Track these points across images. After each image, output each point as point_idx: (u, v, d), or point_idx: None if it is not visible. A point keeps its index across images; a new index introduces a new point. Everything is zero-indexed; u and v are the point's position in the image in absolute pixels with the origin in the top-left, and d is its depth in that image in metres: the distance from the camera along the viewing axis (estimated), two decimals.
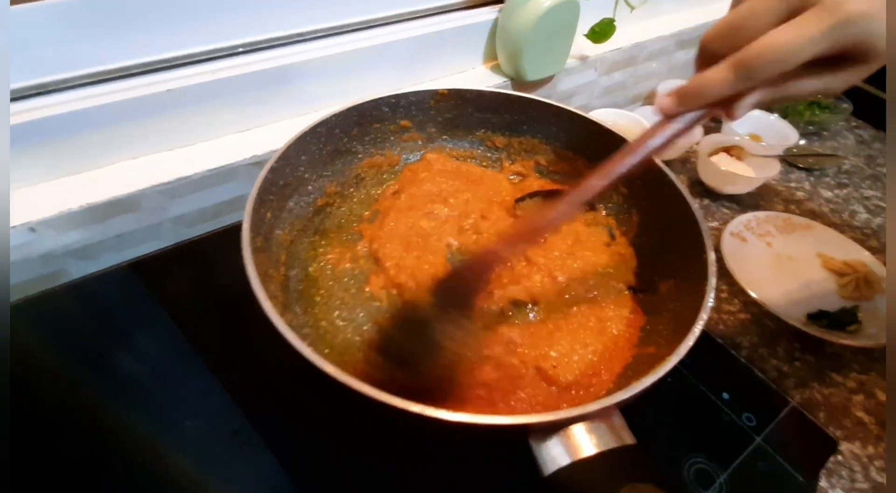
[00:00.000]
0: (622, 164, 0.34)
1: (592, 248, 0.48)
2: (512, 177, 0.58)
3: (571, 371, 0.37)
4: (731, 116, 0.31)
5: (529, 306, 0.44)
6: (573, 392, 0.36)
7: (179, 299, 0.49)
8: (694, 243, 0.36)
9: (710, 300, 0.31)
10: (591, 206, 0.54)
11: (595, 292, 0.44)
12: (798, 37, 0.26)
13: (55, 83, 0.47)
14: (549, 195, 0.55)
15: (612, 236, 0.52)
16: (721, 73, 0.28)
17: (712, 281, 0.32)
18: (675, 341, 0.29)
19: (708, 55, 0.30)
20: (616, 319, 0.40)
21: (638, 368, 0.31)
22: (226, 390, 0.42)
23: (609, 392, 0.26)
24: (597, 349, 0.38)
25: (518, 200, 0.55)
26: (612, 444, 0.25)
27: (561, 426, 0.25)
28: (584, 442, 0.25)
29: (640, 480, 0.23)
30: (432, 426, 0.25)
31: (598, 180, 0.35)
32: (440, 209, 0.51)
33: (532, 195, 0.55)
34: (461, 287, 0.37)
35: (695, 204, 0.39)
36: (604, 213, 0.53)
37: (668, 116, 0.32)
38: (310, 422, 0.40)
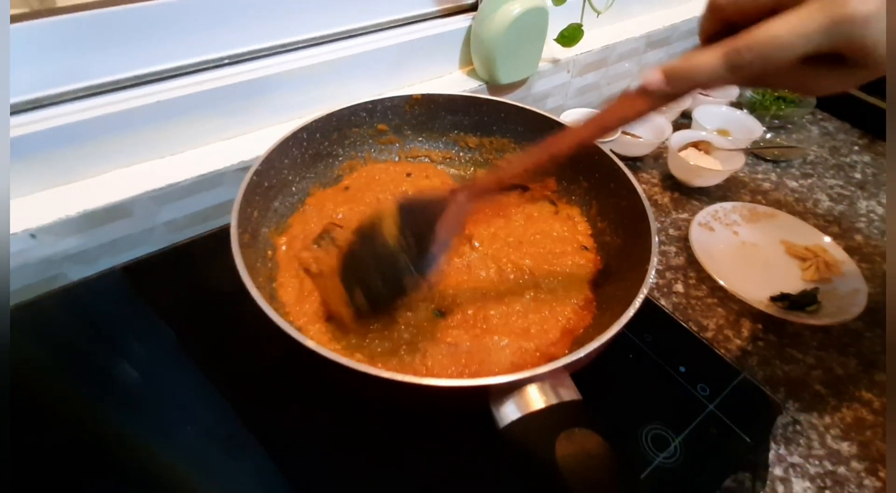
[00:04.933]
0: (592, 132, 0.34)
1: (543, 219, 0.53)
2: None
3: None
4: (709, 92, 0.31)
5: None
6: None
7: (172, 301, 0.51)
8: (643, 229, 0.40)
9: (650, 277, 0.34)
10: (524, 187, 0.57)
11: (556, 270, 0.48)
12: (792, 31, 0.25)
13: (51, 97, 0.50)
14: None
15: (554, 204, 0.56)
16: (712, 59, 0.27)
17: (653, 260, 0.36)
18: (620, 313, 0.33)
19: (716, 11, 0.29)
20: (575, 297, 0.44)
21: (589, 338, 0.34)
22: (220, 394, 0.43)
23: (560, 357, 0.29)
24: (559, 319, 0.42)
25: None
26: (557, 399, 0.28)
27: (517, 386, 0.29)
28: (535, 399, 0.28)
29: (580, 427, 0.26)
30: (403, 390, 0.28)
31: (566, 142, 0.35)
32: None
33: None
34: (425, 212, 0.39)
35: (643, 193, 0.42)
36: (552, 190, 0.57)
37: (649, 91, 0.31)
38: (305, 425, 0.41)
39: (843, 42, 0.25)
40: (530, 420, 0.27)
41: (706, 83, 0.29)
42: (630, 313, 0.32)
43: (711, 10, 0.29)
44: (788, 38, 0.25)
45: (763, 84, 0.31)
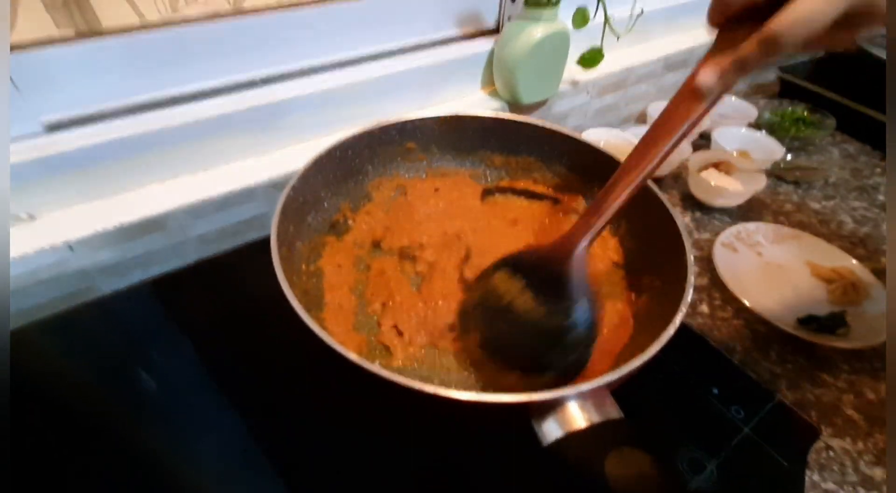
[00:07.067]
0: (667, 141, 0.37)
1: None
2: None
3: None
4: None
5: None
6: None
7: (200, 315, 0.52)
8: (675, 247, 0.40)
9: (689, 294, 0.34)
10: (555, 200, 0.59)
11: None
12: (824, 3, 0.28)
13: (92, 115, 0.52)
14: (516, 192, 0.61)
15: None
16: (752, 48, 0.30)
17: (691, 278, 0.36)
18: (659, 333, 0.33)
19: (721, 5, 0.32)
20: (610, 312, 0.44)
21: (628, 357, 0.34)
22: (235, 409, 0.43)
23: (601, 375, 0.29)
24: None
25: (486, 192, 0.60)
26: (600, 418, 0.28)
27: (558, 404, 0.29)
28: (577, 417, 0.28)
29: (627, 446, 0.26)
30: (444, 405, 0.28)
31: (648, 167, 0.38)
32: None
33: (502, 190, 0.61)
34: (546, 267, 0.38)
35: (675, 211, 0.43)
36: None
37: (703, 93, 0.33)
38: (316, 445, 0.41)
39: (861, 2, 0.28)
40: (575, 439, 0.27)
41: (752, 68, 0.32)
42: (671, 331, 0.32)
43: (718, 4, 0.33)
44: (822, 8, 0.28)
45: (801, 51, 0.32)
